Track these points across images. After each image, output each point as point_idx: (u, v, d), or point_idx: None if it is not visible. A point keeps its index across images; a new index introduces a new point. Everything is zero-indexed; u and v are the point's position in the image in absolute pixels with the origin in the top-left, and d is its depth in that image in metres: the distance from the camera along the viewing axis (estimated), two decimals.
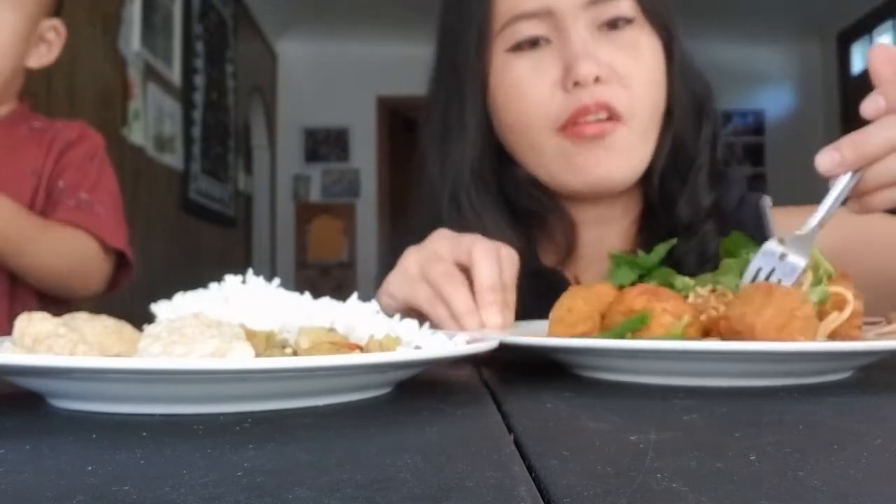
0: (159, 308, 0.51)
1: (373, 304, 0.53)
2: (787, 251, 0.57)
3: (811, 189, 0.69)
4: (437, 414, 0.40)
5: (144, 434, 0.35)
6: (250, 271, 0.54)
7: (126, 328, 0.44)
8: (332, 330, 0.47)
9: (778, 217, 0.88)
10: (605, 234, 0.89)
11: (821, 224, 0.58)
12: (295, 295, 0.52)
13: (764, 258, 0.57)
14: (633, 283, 0.60)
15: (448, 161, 0.86)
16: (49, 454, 0.31)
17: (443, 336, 0.52)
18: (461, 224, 0.80)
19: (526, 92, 0.82)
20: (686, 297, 0.56)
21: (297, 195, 6.32)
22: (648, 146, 0.84)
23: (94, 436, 0.34)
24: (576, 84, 0.78)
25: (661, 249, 0.64)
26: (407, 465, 0.29)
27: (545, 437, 0.34)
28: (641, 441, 0.32)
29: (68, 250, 1.13)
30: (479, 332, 0.58)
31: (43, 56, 1.18)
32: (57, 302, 1.18)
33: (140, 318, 0.48)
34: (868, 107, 0.57)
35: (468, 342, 0.50)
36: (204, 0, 4.32)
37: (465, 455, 0.31)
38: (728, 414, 0.40)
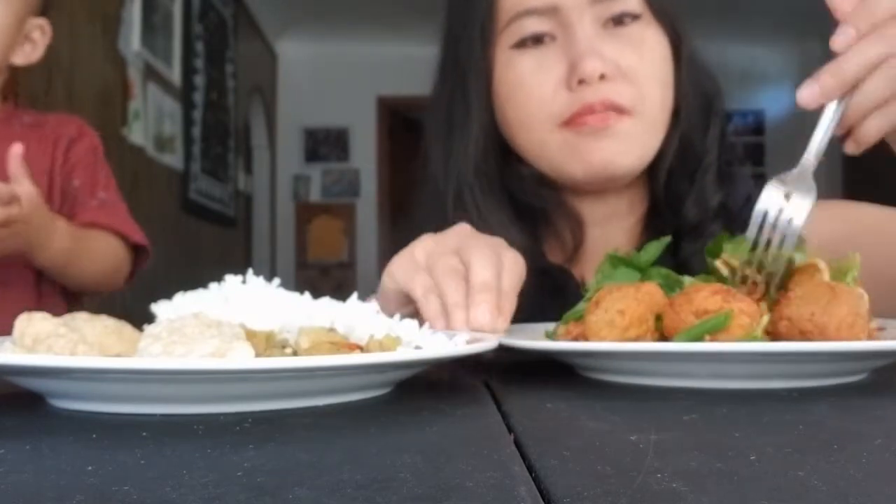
0: (159, 308, 0.51)
1: (373, 305, 0.53)
2: (790, 190, 0.56)
3: None
4: (437, 414, 0.40)
5: (144, 434, 0.35)
6: (250, 271, 0.54)
7: (126, 328, 0.44)
8: (332, 330, 0.47)
9: None
10: (610, 232, 0.88)
11: (816, 157, 0.57)
12: (295, 295, 0.52)
13: (769, 200, 0.56)
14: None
15: (452, 159, 0.86)
16: (49, 454, 0.31)
17: (443, 336, 0.52)
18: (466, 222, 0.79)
19: (530, 89, 0.81)
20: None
21: (297, 195, 6.32)
22: (655, 139, 0.83)
23: (94, 436, 0.34)
24: (580, 82, 0.78)
25: (652, 248, 0.62)
26: (407, 465, 0.29)
27: (545, 437, 0.34)
28: (641, 441, 0.32)
29: (104, 255, 1.19)
30: (479, 334, 0.58)
31: (28, 54, 1.19)
32: (77, 296, 1.25)
33: (140, 318, 0.48)
34: (839, 39, 0.57)
35: (468, 342, 0.50)
36: (204, 0, 4.32)
37: (465, 455, 0.31)
38: (728, 414, 0.40)
